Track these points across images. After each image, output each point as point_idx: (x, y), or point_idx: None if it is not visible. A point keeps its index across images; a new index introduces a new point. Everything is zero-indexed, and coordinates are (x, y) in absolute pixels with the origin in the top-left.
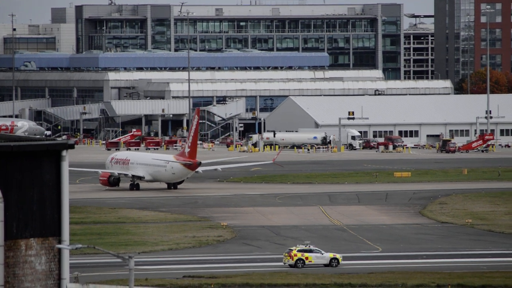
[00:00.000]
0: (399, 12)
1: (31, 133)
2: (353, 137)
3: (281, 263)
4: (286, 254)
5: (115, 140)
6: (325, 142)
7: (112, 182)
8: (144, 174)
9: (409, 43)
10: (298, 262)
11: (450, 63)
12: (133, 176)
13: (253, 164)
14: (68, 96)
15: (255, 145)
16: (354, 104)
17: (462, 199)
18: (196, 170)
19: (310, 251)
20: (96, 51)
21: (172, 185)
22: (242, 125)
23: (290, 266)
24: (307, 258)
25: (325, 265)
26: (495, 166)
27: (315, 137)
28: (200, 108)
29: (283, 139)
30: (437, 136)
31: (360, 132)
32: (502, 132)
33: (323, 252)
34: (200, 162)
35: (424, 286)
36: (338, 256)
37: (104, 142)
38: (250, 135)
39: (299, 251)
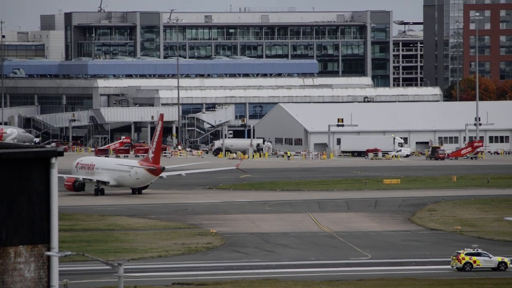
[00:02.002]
0: (388, 19)
1: (20, 140)
2: (400, 144)
3: (449, 266)
4: (454, 258)
5: (104, 147)
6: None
7: (77, 187)
8: (109, 179)
9: (398, 50)
10: (466, 265)
11: (439, 70)
12: (97, 181)
13: (217, 170)
14: (57, 103)
15: (217, 151)
16: (343, 111)
17: (451, 206)
18: (160, 175)
19: (478, 254)
20: (85, 58)
21: (137, 190)
22: (231, 132)
23: (458, 269)
24: (475, 261)
25: (493, 269)
26: (484, 173)
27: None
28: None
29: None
30: (426, 143)
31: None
32: (491, 139)
33: (491, 255)
34: (164, 168)
35: None
36: (506, 260)
37: (93, 149)
38: (213, 142)
39: (467, 254)
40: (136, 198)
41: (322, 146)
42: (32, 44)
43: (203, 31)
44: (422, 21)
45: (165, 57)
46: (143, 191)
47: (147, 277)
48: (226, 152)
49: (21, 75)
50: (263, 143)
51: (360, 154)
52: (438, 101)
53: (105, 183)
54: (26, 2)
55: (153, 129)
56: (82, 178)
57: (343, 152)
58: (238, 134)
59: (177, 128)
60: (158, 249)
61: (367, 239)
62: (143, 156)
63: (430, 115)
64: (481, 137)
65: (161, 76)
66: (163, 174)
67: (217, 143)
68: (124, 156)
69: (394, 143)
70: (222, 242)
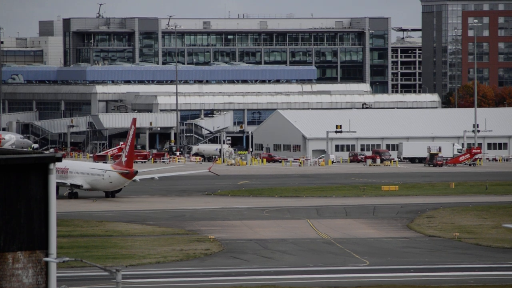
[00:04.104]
0: (387, 25)
1: (18, 146)
2: (459, 150)
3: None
4: None
5: (102, 153)
6: (221, 153)
7: None
8: (83, 183)
9: (396, 57)
10: None
11: (437, 76)
12: (71, 184)
13: (190, 173)
14: (56, 109)
15: (195, 155)
16: (342, 118)
17: (450, 212)
18: (133, 179)
19: None
20: (83, 64)
21: (110, 194)
22: (229, 138)
23: None
24: None
25: None
26: (482, 180)
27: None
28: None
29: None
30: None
31: (348, 145)
32: (489, 146)
33: None
34: (137, 171)
35: None
36: None
37: (91, 155)
38: (191, 147)
39: None
40: (134, 204)
41: (320, 153)
42: (31, 50)
43: (201, 37)
44: (420, 27)
45: (163, 63)
46: (116, 194)
47: (145, 283)
48: (225, 159)
49: (19, 81)
50: (229, 148)
51: (420, 160)
52: (436, 107)
53: (78, 186)
54: (24, 8)
55: (151, 135)
56: (56, 182)
57: (404, 158)
58: (236, 140)
59: (175, 134)
60: (156, 255)
61: (365, 245)
62: (142, 162)
63: (428, 121)
64: (480, 144)
65: (160, 82)
66: (136, 178)
67: (194, 148)
68: None
69: (453, 150)
70: (220, 249)
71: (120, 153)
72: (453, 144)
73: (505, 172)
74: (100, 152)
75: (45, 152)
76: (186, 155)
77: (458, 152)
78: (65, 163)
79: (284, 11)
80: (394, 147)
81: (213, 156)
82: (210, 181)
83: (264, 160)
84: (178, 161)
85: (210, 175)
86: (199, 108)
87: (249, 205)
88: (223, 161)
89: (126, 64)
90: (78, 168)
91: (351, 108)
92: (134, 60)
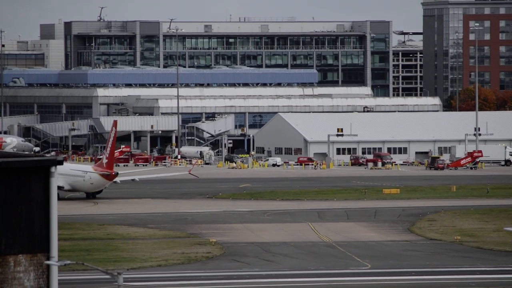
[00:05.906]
0: (388, 29)
1: (19, 149)
2: (511, 154)
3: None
4: None
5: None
6: (201, 156)
7: None
8: (64, 184)
9: (397, 60)
10: None
11: (438, 80)
12: None
13: (170, 175)
14: (57, 112)
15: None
16: (343, 121)
17: (451, 216)
18: (114, 180)
19: None
20: (85, 67)
21: (91, 195)
22: (231, 141)
23: None
24: None
25: None
26: (483, 183)
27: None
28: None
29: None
30: (426, 153)
31: (349, 149)
32: None
33: None
34: (117, 173)
35: None
36: None
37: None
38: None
39: None
40: (135, 207)
41: (321, 156)
42: (32, 53)
43: (202, 41)
44: (422, 31)
45: (164, 67)
46: (97, 195)
47: (147, 286)
48: (226, 162)
49: (20, 84)
50: (208, 151)
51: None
52: (437, 111)
53: (60, 187)
54: (26, 12)
55: (152, 138)
56: None
57: None
58: (237, 143)
59: (176, 137)
60: (158, 258)
61: (367, 249)
62: (144, 165)
63: (429, 125)
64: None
65: (161, 85)
66: (117, 179)
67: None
68: (124, 165)
69: (505, 153)
70: (222, 252)
71: (121, 156)
72: (505, 147)
73: (506, 175)
74: (101, 155)
75: (47, 155)
76: (188, 159)
77: (510, 155)
78: None
79: (285, 14)
80: (398, 150)
81: (196, 159)
82: (211, 184)
83: (266, 164)
84: (180, 164)
85: (204, 178)
86: (200, 111)
87: (250, 208)
88: (225, 164)
89: (127, 67)
90: (59, 170)
91: (352, 112)
92: (135, 63)
